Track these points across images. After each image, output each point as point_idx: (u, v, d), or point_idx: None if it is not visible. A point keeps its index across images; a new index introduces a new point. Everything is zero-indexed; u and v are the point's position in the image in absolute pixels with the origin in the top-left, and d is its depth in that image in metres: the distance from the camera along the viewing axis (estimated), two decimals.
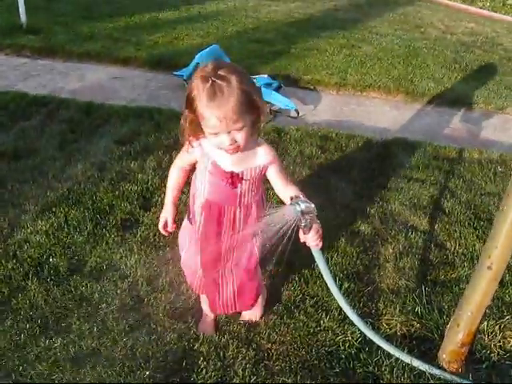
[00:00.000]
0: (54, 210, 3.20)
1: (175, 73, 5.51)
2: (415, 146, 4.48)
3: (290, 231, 1.80)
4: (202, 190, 2.11)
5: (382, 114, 5.31)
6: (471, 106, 5.62)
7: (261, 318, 2.53)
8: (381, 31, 8.14)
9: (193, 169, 2.18)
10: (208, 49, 5.31)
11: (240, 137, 1.83)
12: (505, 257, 2.04)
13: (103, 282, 2.67)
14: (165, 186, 3.38)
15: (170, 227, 2.30)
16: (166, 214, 2.29)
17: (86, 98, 4.96)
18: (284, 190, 2.06)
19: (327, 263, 2.13)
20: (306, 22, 8.46)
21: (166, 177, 3.49)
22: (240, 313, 2.52)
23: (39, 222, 3.08)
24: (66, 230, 3.04)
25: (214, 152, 1.97)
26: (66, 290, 2.61)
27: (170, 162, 3.72)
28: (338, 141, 4.42)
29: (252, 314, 2.52)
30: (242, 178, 2.03)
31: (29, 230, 3.01)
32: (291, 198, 1.88)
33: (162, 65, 6.01)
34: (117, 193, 3.40)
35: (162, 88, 5.51)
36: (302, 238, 1.89)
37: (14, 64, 5.93)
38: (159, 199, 3.34)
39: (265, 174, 2.09)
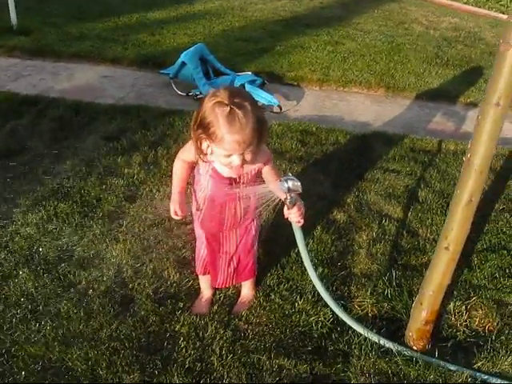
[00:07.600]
0: (43, 203, 3.34)
1: (162, 71, 5.67)
2: (394, 138, 4.61)
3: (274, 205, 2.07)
4: (206, 185, 2.31)
5: (364, 109, 5.44)
6: (451, 100, 5.73)
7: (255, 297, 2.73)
8: (365, 28, 8.26)
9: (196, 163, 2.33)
10: (193, 48, 5.42)
11: (249, 156, 2.04)
12: (460, 238, 2.21)
13: (90, 270, 2.83)
14: (150, 180, 3.64)
15: (180, 214, 2.44)
16: (173, 203, 2.43)
17: (75, 97, 5.07)
18: (274, 183, 2.21)
19: (305, 240, 2.30)
20: (292, 19, 8.56)
21: (151, 171, 3.75)
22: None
23: (29, 215, 3.22)
24: (54, 222, 3.19)
25: (216, 162, 2.18)
26: (54, 278, 2.76)
27: (156, 156, 3.95)
28: (317, 135, 4.55)
29: (249, 296, 2.73)
30: (240, 182, 2.26)
31: (20, 223, 3.16)
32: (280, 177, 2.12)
33: (149, 63, 6.13)
34: (104, 186, 3.55)
35: (149, 86, 5.64)
36: (286, 213, 2.10)
37: (4, 65, 6.02)
38: (144, 192, 3.51)
39: (259, 171, 2.31)
